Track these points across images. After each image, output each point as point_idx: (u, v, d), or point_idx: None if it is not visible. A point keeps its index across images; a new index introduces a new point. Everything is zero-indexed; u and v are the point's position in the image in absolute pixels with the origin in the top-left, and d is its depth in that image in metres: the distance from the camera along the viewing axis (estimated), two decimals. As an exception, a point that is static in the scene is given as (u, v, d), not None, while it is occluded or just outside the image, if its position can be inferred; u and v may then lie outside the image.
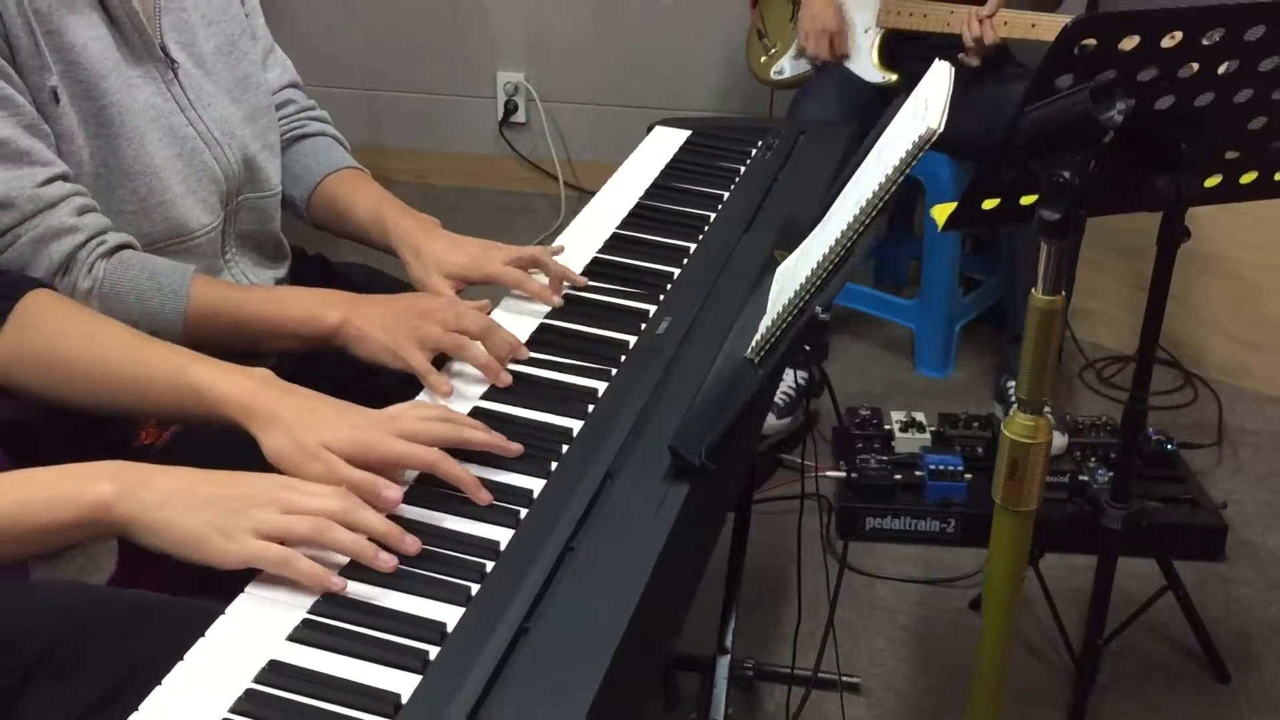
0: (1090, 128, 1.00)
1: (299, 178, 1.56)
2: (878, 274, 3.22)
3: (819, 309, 0.97)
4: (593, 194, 1.67)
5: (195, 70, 1.38)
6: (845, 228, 1.13)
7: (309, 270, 1.61)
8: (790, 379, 2.59)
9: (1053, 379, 1.10)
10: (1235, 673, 2.06)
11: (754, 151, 1.82)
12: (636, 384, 1.23)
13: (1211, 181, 1.70)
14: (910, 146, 1.09)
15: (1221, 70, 1.53)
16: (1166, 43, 1.47)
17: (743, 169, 1.76)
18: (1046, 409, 1.10)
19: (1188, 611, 2.05)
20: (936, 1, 2.59)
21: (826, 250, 1.15)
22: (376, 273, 1.62)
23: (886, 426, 2.50)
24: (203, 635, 0.91)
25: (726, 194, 1.68)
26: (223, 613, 0.94)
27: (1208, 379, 2.87)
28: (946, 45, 2.60)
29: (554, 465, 1.11)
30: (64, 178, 1.23)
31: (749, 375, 1.18)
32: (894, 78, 2.65)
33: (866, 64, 2.67)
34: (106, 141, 1.28)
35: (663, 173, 1.75)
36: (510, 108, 3.61)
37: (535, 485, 1.09)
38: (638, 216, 1.62)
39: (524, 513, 1.05)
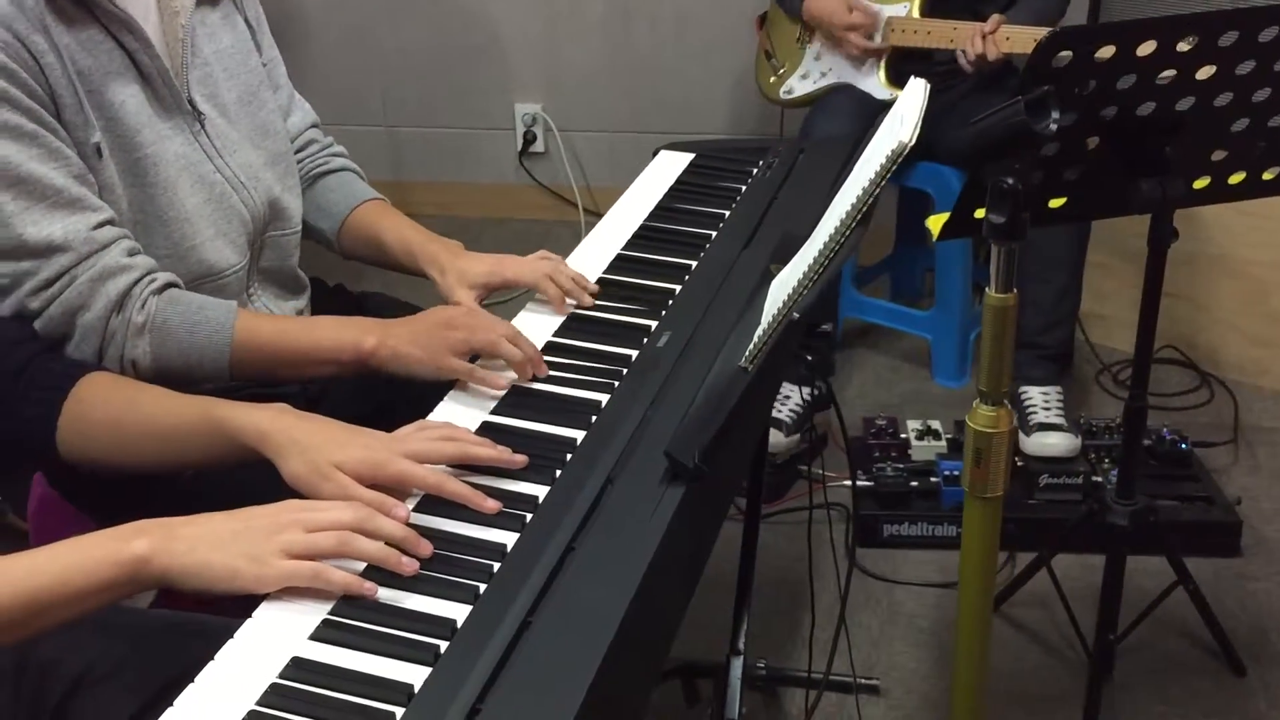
0: (1030, 136, 1.06)
1: (327, 211, 1.65)
2: (895, 287, 3.27)
3: (796, 314, 1.03)
4: (612, 219, 1.75)
5: (220, 120, 1.47)
6: (827, 239, 1.19)
7: (330, 300, 1.69)
8: (797, 396, 2.64)
9: (1010, 371, 1.16)
10: (1252, 667, 2.09)
11: (755, 171, 1.88)
12: (636, 395, 1.29)
13: (1200, 183, 1.74)
14: (884, 160, 1.15)
15: (1201, 76, 1.58)
16: (1143, 50, 1.52)
17: (744, 188, 1.82)
18: (1006, 399, 1.16)
19: (1199, 605, 2.08)
20: (940, 19, 2.64)
21: (810, 262, 1.21)
22: (394, 300, 1.70)
23: (903, 435, 2.55)
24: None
25: (728, 213, 1.75)
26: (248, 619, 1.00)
27: (1224, 379, 2.90)
28: (950, 61, 2.67)
29: (558, 473, 1.18)
30: (112, 222, 1.32)
31: (741, 381, 1.24)
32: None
33: (874, 82, 2.73)
34: (142, 191, 1.37)
35: (666, 195, 1.82)
36: (529, 138, 3.70)
37: (540, 491, 1.15)
38: (642, 238, 1.69)
39: (529, 517, 1.11)
